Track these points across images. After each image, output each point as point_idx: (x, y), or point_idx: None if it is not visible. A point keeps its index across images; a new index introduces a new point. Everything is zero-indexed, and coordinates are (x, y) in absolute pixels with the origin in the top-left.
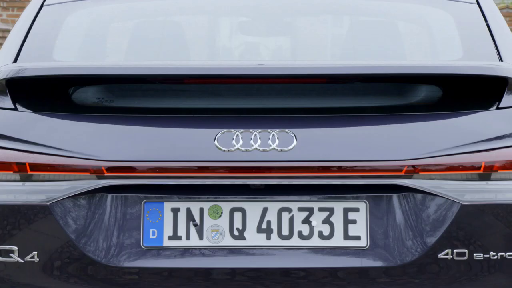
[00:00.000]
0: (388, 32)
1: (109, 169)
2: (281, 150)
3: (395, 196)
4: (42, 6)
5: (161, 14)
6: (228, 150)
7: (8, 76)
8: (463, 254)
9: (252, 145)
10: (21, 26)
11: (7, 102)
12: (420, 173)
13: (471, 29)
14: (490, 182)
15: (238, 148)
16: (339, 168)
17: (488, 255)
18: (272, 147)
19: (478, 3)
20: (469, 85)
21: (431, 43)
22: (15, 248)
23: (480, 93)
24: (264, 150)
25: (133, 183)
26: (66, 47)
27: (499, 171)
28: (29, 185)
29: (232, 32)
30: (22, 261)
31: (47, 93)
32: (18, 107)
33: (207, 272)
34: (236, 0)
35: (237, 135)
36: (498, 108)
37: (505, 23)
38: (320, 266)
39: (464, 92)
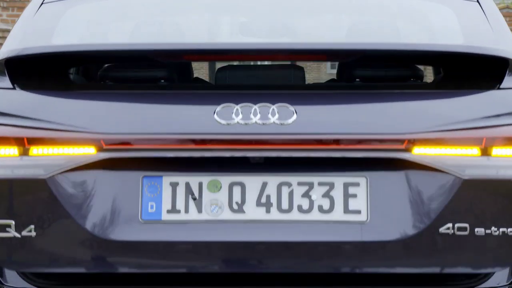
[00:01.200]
0: (389, 27)
1: (108, 141)
2: (281, 123)
3: (395, 171)
4: (42, 4)
5: (160, 11)
6: (228, 123)
7: (6, 57)
8: (464, 229)
9: (252, 119)
10: (22, 23)
11: (6, 82)
12: (421, 147)
13: (472, 23)
14: (491, 158)
15: (237, 122)
16: (339, 141)
17: (489, 231)
18: (272, 121)
19: (478, 2)
20: (471, 66)
21: (433, 32)
22: (12, 222)
23: (482, 74)
24: (264, 123)
25: (132, 155)
26: (65, 38)
27: (500, 147)
28: (26, 160)
29: (232, 33)
30: (19, 236)
31: (45, 73)
32: (17, 86)
33: (206, 245)
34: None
35: (237, 109)
36: (499, 88)
37: (504, 21)
38: (320, 239)
39: (467, 73)
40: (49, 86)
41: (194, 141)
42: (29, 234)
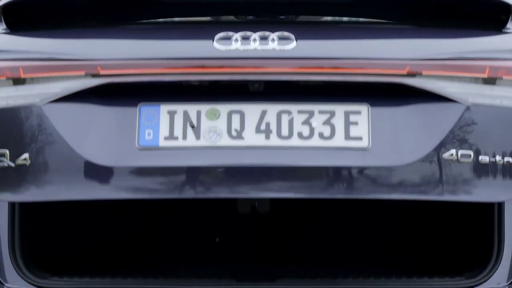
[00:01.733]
0: None
1: (104, 66)
2: (281, 49)
3: (397, 98)
4: None
5: None
6: (227, 49)
7: (1, 4)
8: (468, 156)
9: (251, 45)
10: None
11: (1, 26)
12: (423, 73)
13: None
14: (495, 88)
15: (237, 48)
16: (340, 66)
17: (494, 159)
18: (271, 47)
19: None
20: (476, 10)
21: None
22: (6, 151)
23: (485, 18)
24: (263, 49)
25: (130, 80)
26: None
27: (504, 77)
28: (22, 89)
29: None
30: (13, 165)
31: (40, 16)
32: (13, 29)
33: (204, 170)
34: None
35: (236, 38)
36: (502, 32)
37: None
38: (320, 164)
39: (471, 16)
40: (45, 26)
41: (192, 66)
42: (23, 162)
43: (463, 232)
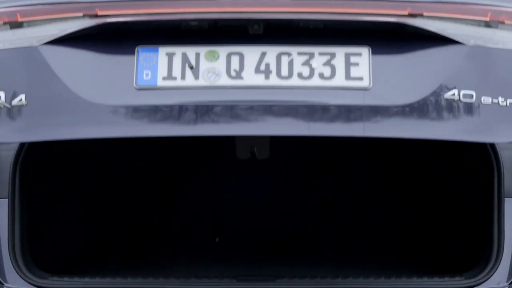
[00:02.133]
0: None
1: (102, 7)
2: None
3: (398, 39)
4: None
5: None
6: None
7: None
8: (470, 96)
9: None
10: None
11: None
12: (425, 14)
13: None
14: (497, 32)
15: None
16: (341, 5)
17: (496, 100)
18: None
19: None
20: None
21: None
22: (1, 93)
23: None
24: None
25: (128, 20)
26: None
27: (506, 22)
28: (19, 33)
29: None
30: (9, 106)
31: None
32: None
33: (202, 108)
34: None
35: None
36: None
37: None
38: (321, 102)
39: None
40: None
41: (190, 4)
42: (19, 103)
43: (463, 232)
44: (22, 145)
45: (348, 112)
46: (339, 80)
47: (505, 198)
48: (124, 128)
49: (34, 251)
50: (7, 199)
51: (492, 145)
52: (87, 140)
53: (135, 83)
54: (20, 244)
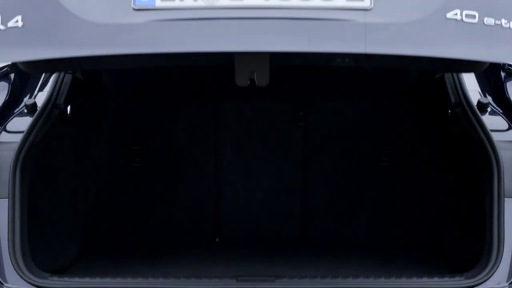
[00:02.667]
0: None
1: None
2: None
3: None
4: None
5: None
6: None
7: None
8: (472, 16)
9: None
10: None
11: None
12: None
13: None
14: None
15: None
16: None
17: (499, 22)
18: None
19: None
20: None
21: None
22: None
23: None
24: None
25: None
26: None
27: None
28: None
29: None
30: (4, 28)
31: None
32: None
33: (200, 26)
34: None
35: None
36: None
37: None
38: (321, 20)
39: None
40: None
41: None
42: (15, 25)
43: (463, 232)
44: (22, 145)
45: (349, 29)
46: (340, 0)
47: (505, 198)
48: (121, 46)
49: (34, 251)
50: (7, 199)
51: (492, 145)
52: (87, 140)
53: (133, 4)
54: (20, 244)
